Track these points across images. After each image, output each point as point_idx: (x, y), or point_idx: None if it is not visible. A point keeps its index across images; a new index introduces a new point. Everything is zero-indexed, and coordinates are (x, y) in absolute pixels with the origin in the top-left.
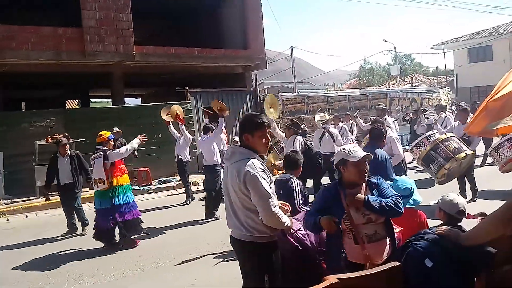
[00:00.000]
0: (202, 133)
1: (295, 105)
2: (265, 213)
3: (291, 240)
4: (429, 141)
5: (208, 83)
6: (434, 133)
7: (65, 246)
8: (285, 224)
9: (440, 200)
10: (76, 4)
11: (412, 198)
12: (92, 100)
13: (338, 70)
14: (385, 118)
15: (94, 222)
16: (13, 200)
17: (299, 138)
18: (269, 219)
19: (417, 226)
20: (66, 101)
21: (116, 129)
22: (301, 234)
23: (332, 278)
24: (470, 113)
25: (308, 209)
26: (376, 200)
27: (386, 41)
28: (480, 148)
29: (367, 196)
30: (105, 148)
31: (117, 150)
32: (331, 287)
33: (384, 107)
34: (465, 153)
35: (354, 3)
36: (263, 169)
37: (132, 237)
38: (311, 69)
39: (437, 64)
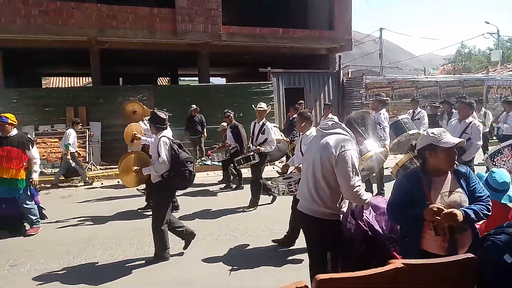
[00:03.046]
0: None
1: (379, 89)
2: (349, 187)
3: (361, 224)
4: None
5: (290, 64)
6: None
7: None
8: (366, 201)
9: None
10: None
11: (507, 194)
12: (180, 78)
13: (431, 55)
14: (380, 113)
15: None
16: (107, 167)
17: (163, 139)
18: (350, 193)
19: None
20: (158, 78)
21: (194, 106)
22: (372, 218)
23: (398, 262)
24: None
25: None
26: (472, 211)
27: (488, 23)
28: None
29: (462, 211)
30: None
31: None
32: (396, 271)
33: (383, 99)
34: None
35: None
36: (356, 150)
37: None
38: (400, 52)
39: None
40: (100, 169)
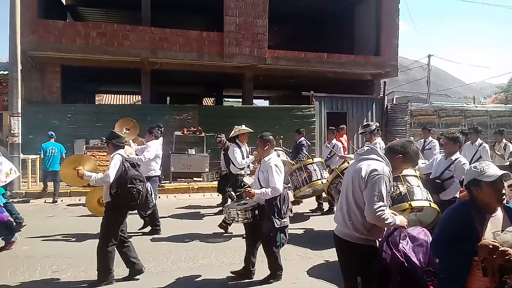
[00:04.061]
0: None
1: (425, 117)
2: (370, 210)
3: (397, 254)
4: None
5: (334, 88)
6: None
7: (187, 228)
8: (391, 223)
9: None
10: (220, 10)
11: None
12: (225, 99)
13: (482, 83)
14: (376, 143)
15: None
16: None
17: (116, 156)
18: (372, 216)
19: None
20: (204, 99)
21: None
22: (409, 249)
23: None
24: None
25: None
26: None
27: None
28: None
29: None
30: None
31: None
32: None
33: (372, 128)
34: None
35: (507, 9)
36: (388, 176)
37: None
38: (450, 79)
39: None
40: None
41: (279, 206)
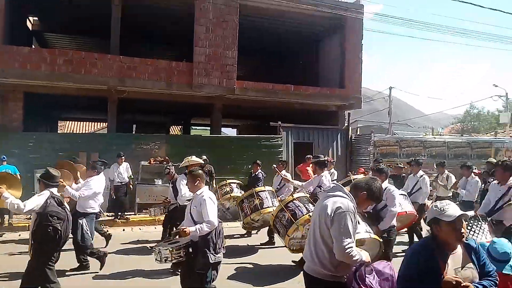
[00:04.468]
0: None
1: (387, 147)
2: (339, 248)
3: None
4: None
5: (300, 119)
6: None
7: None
8: (358, 260)
9: None
10: (190, 41)
11: (509, 264)
12: (192, 127)
13: (441, 113)
14: (322, 175)
15: None
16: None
17: (45, 192)
18: (341, 254)
19: None
20: (171, 127)
21: (204, 157)
22: (375, 284)
23: None
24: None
25: None
26: (482, 287)
27: (497, 86)
28: None
29: (474, 286)
30: None
31: None
32: None
33: (321, 160)
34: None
35: (465, 46)
36: (353, 212)
37: None
38: (410, 110)
39: None
40: (107, 216)
41: (214, 240)
